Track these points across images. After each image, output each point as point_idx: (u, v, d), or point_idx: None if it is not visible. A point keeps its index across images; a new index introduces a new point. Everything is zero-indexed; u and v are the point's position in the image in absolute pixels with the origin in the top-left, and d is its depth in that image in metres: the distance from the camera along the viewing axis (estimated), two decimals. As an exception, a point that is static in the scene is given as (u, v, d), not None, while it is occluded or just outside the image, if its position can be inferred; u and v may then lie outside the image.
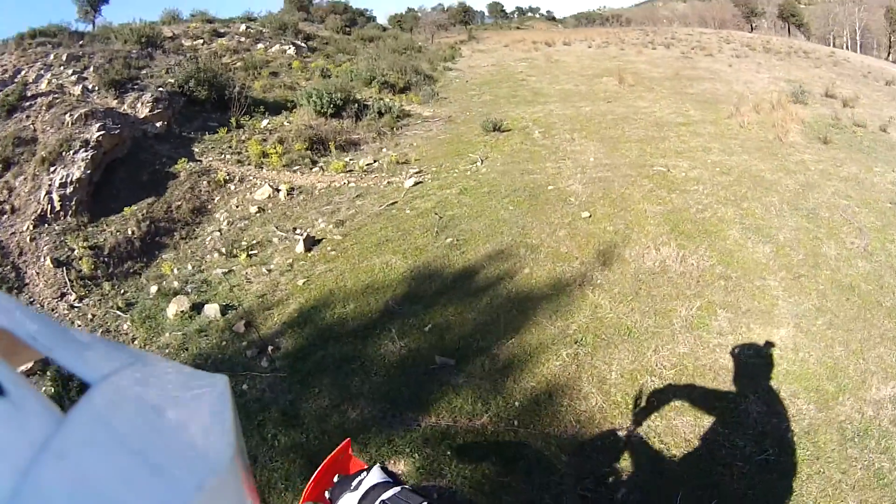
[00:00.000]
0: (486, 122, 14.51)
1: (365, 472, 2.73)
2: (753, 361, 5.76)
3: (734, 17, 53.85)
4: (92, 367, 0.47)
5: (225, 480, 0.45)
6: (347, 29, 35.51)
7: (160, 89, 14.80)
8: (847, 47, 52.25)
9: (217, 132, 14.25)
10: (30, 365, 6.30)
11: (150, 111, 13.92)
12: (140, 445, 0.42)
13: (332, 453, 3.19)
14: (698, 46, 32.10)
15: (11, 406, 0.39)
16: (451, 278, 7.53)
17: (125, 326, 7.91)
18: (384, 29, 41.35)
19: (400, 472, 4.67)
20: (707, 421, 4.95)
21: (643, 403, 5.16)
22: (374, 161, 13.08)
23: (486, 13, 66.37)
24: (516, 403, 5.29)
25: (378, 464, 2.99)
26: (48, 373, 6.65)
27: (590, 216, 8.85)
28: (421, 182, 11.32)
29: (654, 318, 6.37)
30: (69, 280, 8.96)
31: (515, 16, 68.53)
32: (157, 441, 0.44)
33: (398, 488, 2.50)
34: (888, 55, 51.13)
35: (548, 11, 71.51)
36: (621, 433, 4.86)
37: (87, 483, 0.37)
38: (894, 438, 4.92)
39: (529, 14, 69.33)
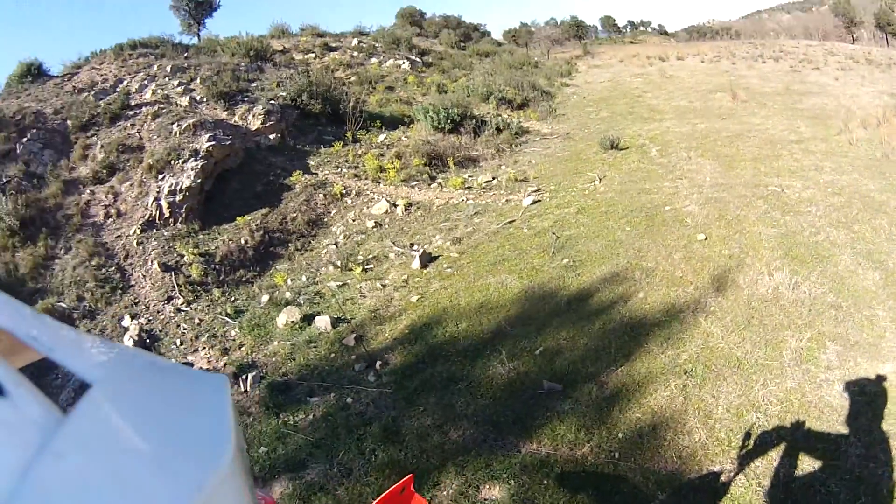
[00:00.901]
0: (604, 139, 14.55)
1: None
2: (858, 399, 5.50)
3: (836, 27, 51.81)
4: (92, 367, 0.50)
5: (224, 481, 0.47)
6: (462, 44, 35.65)
7: (272, 102, 15.30)
8: (950, 57, 49.65)
9: (332, 146, 14.63)
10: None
11: (262, 123, 14.44)
12: (139, 446, 0.44)
13: (391, 488, 3.01)
14: (805, 59, 30.87)
15: (11, 406, 0.41)
16: (566, 300, 7.53)
17: (233, 333, 8.27)
18: (499, 44, 41.26)
19: (494, 497, 4.74)
20: (807, 463, 4.81)
21: (750, 444, 5.05)
22: (493, 178, 13.22)
23: (599, 27, 65.42)
24: (619, 434, 5.27)
25: None
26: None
27: (705, 238, 8.76)
28: (539, 200, 11.42)
29: (764, 349, 6.21)
30: (177, 284, 9.39)
31: (628, 30, 67.22)
32: (156, 441, 0.46)
33: None
34: None
35: (659, 25, 69.97)
36: (721, 474, 4.78)
37: (86, 483, 0.39)
38: None
39: (641, 28, 67.95)
